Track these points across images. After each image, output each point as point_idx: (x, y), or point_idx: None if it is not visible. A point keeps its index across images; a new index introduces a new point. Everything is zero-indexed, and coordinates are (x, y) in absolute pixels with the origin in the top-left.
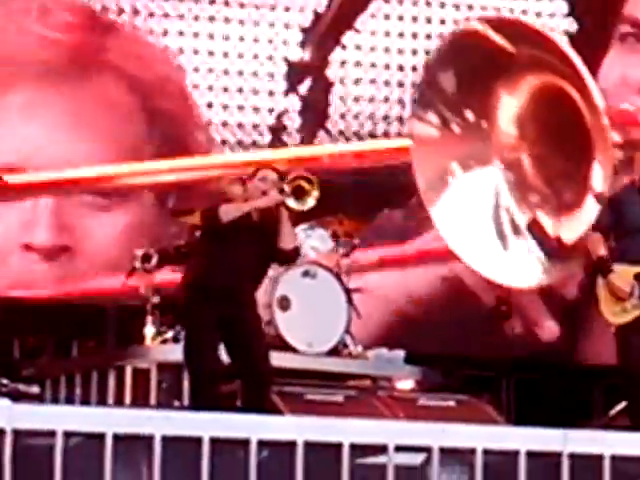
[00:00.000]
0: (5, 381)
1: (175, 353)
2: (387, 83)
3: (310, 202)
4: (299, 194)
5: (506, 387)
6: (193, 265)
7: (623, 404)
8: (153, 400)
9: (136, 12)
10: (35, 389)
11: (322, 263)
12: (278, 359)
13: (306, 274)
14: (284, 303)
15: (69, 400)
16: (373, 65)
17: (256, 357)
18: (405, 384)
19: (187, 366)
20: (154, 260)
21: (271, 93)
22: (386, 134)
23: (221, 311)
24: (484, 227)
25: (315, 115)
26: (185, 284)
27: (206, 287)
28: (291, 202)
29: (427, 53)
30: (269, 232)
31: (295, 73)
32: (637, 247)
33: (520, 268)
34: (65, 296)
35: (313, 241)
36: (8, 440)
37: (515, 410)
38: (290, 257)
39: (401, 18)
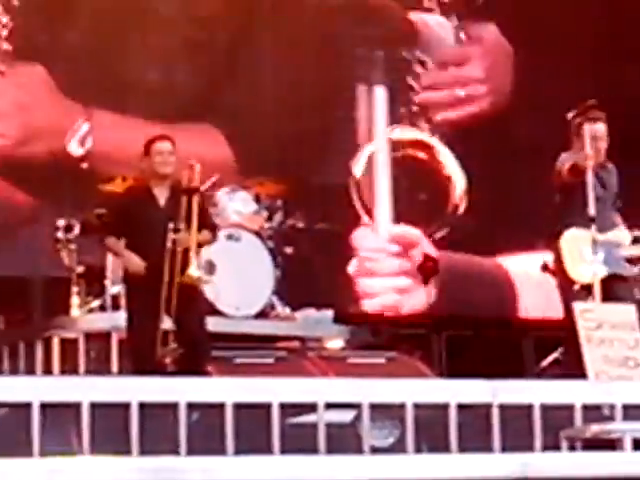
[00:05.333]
0: None
1: (102, 322)
2: None
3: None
4: None
5: (437, 344)
6: None
7: (553, 356)
8: (82, 369)
9: None
10: None
11: (246, 226)
12: (207, 323)
13: (230, 237)
14: (210, 267)
15: None
16: None
17: (194, 322)
18: (335, 343)
19: (130, 333)
20: (76, 230)
21: None
22: None
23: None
24: None
25: None
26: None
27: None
28: None
29: None
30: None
31: None
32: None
33: None
34: None
35: (236, 204)
36: None
37: (447, 366)
38: None
39: None
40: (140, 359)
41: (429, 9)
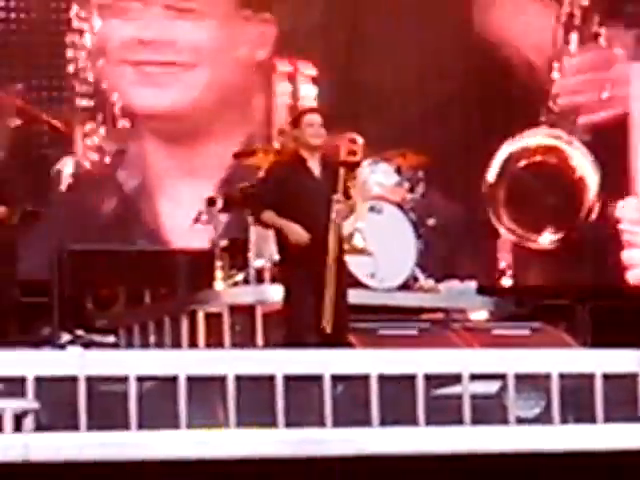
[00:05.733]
0: (80, 332)
1: (246, 295)
2: None
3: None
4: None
5: (581, 314)
6: None
7: None
8: (227, 343)
9: None
10: (110, 339)
11: (388, 198)
12: (350, 296)
13: (372, 209)
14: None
15: (143, 348)
16: None
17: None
18: (479, 315)
19: (289, 306)
20: (219, 203)
21: None
22: None
23: None
24: None
25: None
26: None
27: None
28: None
29: None
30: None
31: None
32: None
33: None
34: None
35: (377, 176)
36: (81, 387)
37: (592, 337)
38: None
39: None
40: (301, 332)
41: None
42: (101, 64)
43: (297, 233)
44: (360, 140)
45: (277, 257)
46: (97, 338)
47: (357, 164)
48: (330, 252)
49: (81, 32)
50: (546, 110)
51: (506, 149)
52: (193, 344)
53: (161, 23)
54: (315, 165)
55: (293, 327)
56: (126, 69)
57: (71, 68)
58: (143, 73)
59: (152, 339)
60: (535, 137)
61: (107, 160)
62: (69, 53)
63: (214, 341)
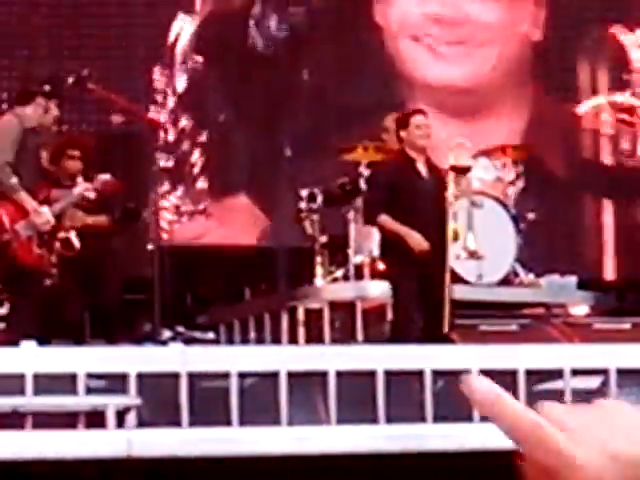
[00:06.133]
0: (181, 329)
1: (346, 291)
2: None
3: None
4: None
5: None
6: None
7: None
8: (327, 339)
9: None
10: (210, 335)
11: (488, 192)
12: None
13: (473, 204)
14: (454, 236)
15: (244, 344)
16: None
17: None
18: (579, 309)
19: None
20: (319, 199)
21: None
22: None
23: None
24: None
25: None
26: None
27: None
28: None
29: None
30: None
31: None
32: None
33: None
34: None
35: (478, 171)
36: (183, 383)
37: None
38: None
39: None
40: (405, 327)
41: None
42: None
43: (418, 241)
44: (468, 144)
45: (377, 253)
46: (197, 334)
47: (467, 169)
48: (445, 252)
49: None
50: None
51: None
52: (293, 340)
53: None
54: (422, 166)
55: (397, 323)
56: (419, 44)
57: None
58: (434, 49)
59: (252, 335)
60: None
61: None
62: None
63: (314, 337)
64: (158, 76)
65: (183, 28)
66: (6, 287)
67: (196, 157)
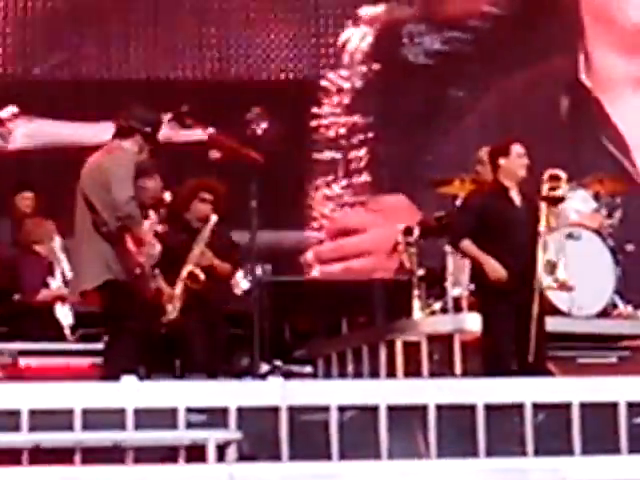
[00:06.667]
0: (278, 363)
1: (444, 324)
2: None
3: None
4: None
5: None
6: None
7: None
8: (425, 372)
9: None
10: (308, 369)
11: (586, 224)
12: (548, 323)
13: (570, 236)
14: (550, 267)
15: (342, 377)
16: None
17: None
18: None
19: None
20: (416, 233)
21: None
22: None
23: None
24: None
25: None
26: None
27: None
28: None
29: None
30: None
31: None
32: None
33: None
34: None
35: (575, 202)
36: (283, 416)
37: None
38: None
39: None
40: (501, 361)
41: None
42: None
43: (496, 269)
44: (563, 175)
45: (471, 286)
46: (295, 368)
47: (560, 199)
48: (535, 283)
49: None
50: None
51: None
52: (391, 373)
53: None
54: (516, 195)
55: (492, 356)
56: None
57: None
58: None
59: (350, 368)
60: None
61: None
62: None
63: (412, 370)
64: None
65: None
66: (124, 320)
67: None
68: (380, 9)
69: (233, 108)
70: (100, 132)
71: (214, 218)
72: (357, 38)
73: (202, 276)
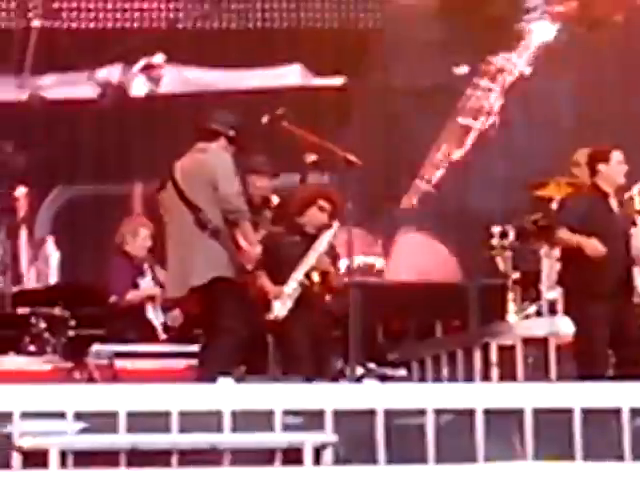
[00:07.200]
0: (372, 366)
1: (538, 328)
2: None
3: None
4: None
5: None
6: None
7: None
8: (520, 376)
9: None
10: (402, 372)
11: None
12: None
13: None
14: None
15: (436, 381)
16: None
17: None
18: None
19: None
20: (511, 235)
21: None
22: None
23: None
24: None
25: None
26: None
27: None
28: None
29: None
30: None
31: None
32: None
33: None
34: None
35: None
36: (379, 420)
37: None
38: None
39: None
40: (595, 365)
41: None
42: None
43: (594, 246)
44: None
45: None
46: (389, 371)
47: None
48: (635, 288)
49: None
50: None
51: None
52: (485, 376)
53: None
54: (614, 202)
55: (587, 360)
56: None
57: None
58: None
59: (444, 372)
60: None
61: None
62: None
63: (506, 373)
64: None
65: None
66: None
67: None
68: None
69: None
70: (241, 79)
71: (335, 226)
72: None
73: (318, 279)
